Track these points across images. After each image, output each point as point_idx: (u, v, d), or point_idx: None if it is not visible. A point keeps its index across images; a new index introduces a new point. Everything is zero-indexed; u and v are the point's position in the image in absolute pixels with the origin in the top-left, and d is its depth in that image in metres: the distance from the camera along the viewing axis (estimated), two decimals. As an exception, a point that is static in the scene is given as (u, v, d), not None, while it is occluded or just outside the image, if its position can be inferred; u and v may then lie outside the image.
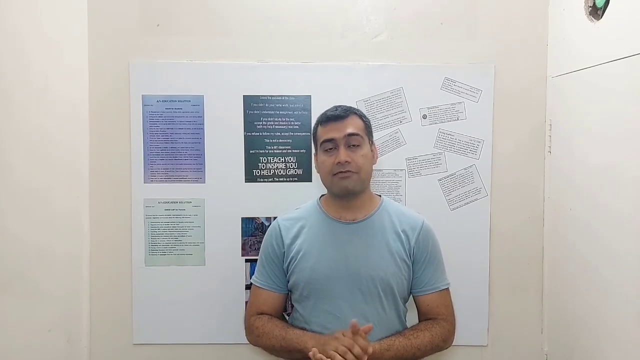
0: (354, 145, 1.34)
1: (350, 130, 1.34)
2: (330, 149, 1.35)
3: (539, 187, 1.68)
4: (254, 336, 1.40)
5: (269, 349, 1.38)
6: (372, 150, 1.40)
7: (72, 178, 1.58)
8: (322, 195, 1.47)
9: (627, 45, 1.22)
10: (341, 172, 1.32)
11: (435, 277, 1.41)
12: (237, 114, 1.65)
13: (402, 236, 1.38)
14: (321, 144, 1.37)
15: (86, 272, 1.65)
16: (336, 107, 1.39)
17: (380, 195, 1.47)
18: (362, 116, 1.41)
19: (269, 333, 1.35)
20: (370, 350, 1.20)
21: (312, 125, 1.47)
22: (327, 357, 1.17)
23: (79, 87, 1.61)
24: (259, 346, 1.41)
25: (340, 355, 1.18)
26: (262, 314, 1.41)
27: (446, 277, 1.43)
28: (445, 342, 1.38)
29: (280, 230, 1.42)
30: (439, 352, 1.38)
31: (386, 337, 1.33)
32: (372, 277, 1.34)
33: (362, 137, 1.36)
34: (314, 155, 1.46)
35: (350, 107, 1.41)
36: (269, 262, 1.43)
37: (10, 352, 1.27)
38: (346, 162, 1.31)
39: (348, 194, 1.36)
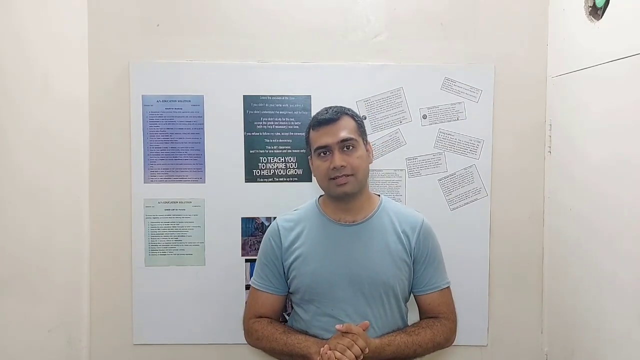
0: (348, 147, 1.32)
1: (343, 134, 1.31)
2: (325, 153, 1.33)
3: (539, 187, 1.68)
4: (253, 339, 1.40)
5: (270, 352, 1.38)
6: (367, 150, 1.38)
7: (72, 178, 1.58)
8: (321, 196, 1.46)
9: (627, 45, 1.22)
10: (337, 177, 1.30)
11: (436, 277, 1.40)
12: (237, 114, 1.65)
13: (403, 237, 1.38)
14: (315, 150, 1.35)
15: (86, 272, 1.65)
16: (327, 110, 1.36)
17: (379, 195, 1.46)
18: (354, 116, 1.38)
19: (269, 337, 1.35)
20: (367, 350, 1.23)
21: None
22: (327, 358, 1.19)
23: (79, 87, 1.61)
24: (258, 348, 1.41)
25: (339, 352, 1.19)
26: (260, 317, 1.41)
27: (446, 276, 1.43)
28: (447, 340, 1.38)
29: (279, 232, 1.41)
30: (437, 352, 1.39)
31: (387, 333, 1.34)
32: (374, 280, 1.34)
33: (355, 139, 1.33)
34: (309, 158, 1.42)
35: (341, 108, 1.37)
36: (268, 264, 1.41)
37: (10, 352, 1.27)
38: (342, 166, 1.29)
39: (346, 197, 1.35)
